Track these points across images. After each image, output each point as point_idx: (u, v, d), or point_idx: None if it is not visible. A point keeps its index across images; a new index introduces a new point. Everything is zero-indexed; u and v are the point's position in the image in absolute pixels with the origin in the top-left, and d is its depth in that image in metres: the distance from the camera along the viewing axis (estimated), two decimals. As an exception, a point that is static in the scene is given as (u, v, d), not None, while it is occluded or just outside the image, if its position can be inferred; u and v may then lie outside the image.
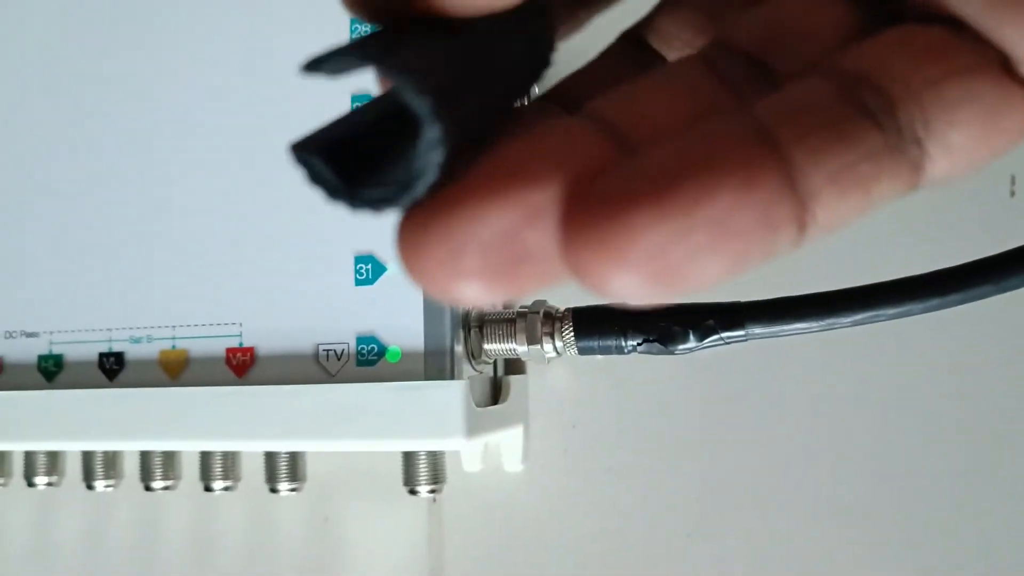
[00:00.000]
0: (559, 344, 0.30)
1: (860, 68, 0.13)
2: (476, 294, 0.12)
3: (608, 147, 0.12)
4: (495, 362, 0.33)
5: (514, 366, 0.35)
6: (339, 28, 0.31)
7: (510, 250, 0.12)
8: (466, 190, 0.12)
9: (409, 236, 0.12)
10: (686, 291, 0.12)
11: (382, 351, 0.30)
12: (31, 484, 0.38)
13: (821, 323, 0.26)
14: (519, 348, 0.30)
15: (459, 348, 0.30)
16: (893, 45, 0.13)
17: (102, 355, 0.33)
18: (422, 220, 0.12)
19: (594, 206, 0.11)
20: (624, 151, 0.12)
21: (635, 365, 0.33)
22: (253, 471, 0.36)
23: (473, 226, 0.12)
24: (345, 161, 0.13)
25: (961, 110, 0.13)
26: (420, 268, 0.12)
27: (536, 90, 0.18)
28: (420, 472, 0.32)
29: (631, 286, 0.11)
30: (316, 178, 0.13)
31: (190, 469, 0.37)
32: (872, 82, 0.13)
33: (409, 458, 0.32)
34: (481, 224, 0.12)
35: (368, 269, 0.30)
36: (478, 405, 0.30)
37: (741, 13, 0.15)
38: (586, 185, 0.12)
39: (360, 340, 0.30)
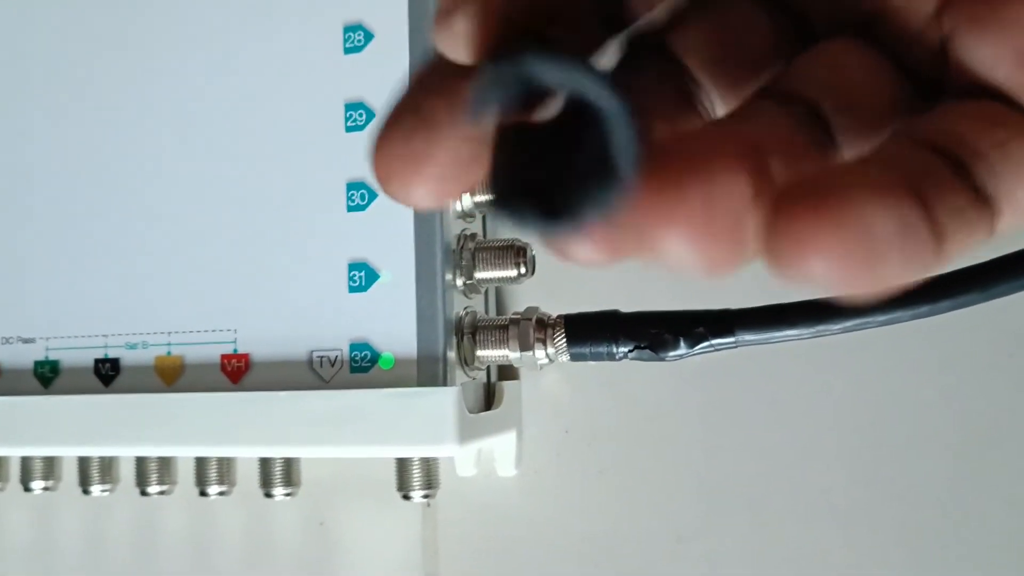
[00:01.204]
0: (551, 351, 0.30)
1: (931, 136, 0.14)
2: None
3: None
4: (488, 368, 0.34)
5: (507, 372, 0.35)
6: (333, 36, 0.31)
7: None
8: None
9: None
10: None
11: (375, 358, 0.30)
12: (28, 489, 0.38)
13: (811, 330, 0.26)
14: (512, 354, 0.30)
15: (452, 354, 0.30)
16: (958, 115, 0.14)
17: (98, 361, 0.34)
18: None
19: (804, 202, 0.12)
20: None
21: (627, 371, 0.33)
22: (248, 476, 0.36)
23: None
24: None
25: None
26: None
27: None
28: (414, 478, 0.32)
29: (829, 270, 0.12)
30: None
31: (186, 474, 0.37)
32: (948, 147, 0.14)
33: (403, 464, 0.33)
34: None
35: (361, 276, 0.30)
36: (471, 411, 0.30)
37: (801, 65, 0.15)
38: (791, 186, 0.12)
39: (353, 347, 0.30)
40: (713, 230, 0.12)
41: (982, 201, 0.14)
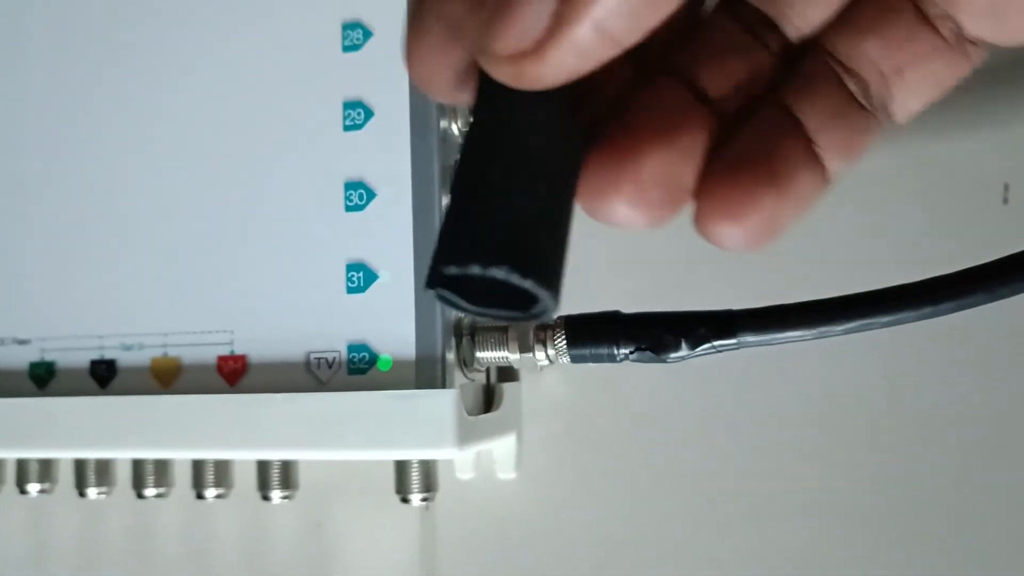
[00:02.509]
0: (551, 352, 0.29)
1: (847, 58, 0.19)
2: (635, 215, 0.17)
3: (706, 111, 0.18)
4: (487, 370, 0.33)
5: (507, 373, 0.34)
6: (331, 33, 0.31)
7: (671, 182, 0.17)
8: (632, 141, 0.17)
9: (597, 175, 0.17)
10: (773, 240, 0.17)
11: (373, 359, 0.30)
12: (23, 491, 0.37)
13: (813, 331, 0.26)
14: (511, 356, 0.30)
15: (451, 356, 0.29)
16: (867, 33, 0.19)
17: (94, 362, 0.33)
18: (607, 161, 0.17)
19: (722, 184, 0.17)
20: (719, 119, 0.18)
21: (628, 372, 0.33)
22: (245, 479, 0.35)
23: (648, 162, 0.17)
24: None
25: (922, 87, 0.19)
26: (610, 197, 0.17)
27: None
28: (412, 480, 0.32)
29: (741, 239, 0.17)
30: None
31: (182, 476, 0.37)
32: (855, 72, 0.19)
33: (401, 466, 0.32)
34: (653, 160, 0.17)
35: (360, 277, 0.30)
36: (470, 413, 0.30)
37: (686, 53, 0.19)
38: (711, 168, 0.17)
39: (351, 348, 0.30)
40: (644, 198, 0.17)
41: (871, 110, 0.19)
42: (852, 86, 0.19)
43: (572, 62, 0.15)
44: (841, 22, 0.19)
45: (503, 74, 0.15)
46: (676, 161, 0.17)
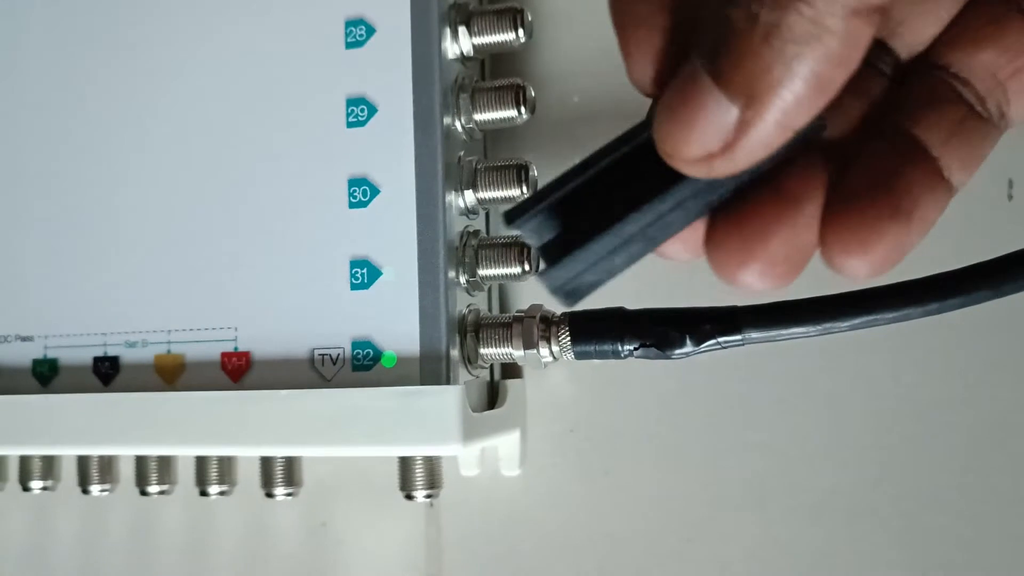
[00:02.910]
0: (555, 349, 0.29)
1: (961, 70, 0.19)
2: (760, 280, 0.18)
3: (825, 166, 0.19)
4: (492, 366, 0.33)
5: (511, 370, 0.34)
6: (334, 30, 0.31)
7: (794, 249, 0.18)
8: (759, 223, 0.18)
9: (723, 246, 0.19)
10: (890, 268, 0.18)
11: (377, 356, 0.30)
12: (26, 488, 0.37)
13: (818, 327, 0.26)
14: (515, 353, 0.30)
15: (455, 353, 0.29)
16: (982, 42, 0.19)
17: (97, 359, 0.33)
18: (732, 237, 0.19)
19: (848, 221, 0.18)
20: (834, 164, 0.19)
21: (632, 369, 0.33)
22: (249, 476, 0.35)
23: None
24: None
25: None
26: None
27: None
28: (416, 477, 0.32)
29: (867, 269, 0.18)
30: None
31: (186, 474, 0.37)
32: (970, 82, 0.19)
33: (405, 463, 0.32)
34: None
35: (364, 273, 0.30)
36: (474, 410, 0.30)
37: None
38: (834, 205, 0.18)
39: (355, 345, 0.30)
40: (772, 272, 0.18)
41: (989, 117, 0.19)
42: (968, 96, 0.19)
43: (759, 154, 0.16)
44: (952, 36, 0.19)
45: (693, 171, 0.17)
46: (800, 233, 0.18)
